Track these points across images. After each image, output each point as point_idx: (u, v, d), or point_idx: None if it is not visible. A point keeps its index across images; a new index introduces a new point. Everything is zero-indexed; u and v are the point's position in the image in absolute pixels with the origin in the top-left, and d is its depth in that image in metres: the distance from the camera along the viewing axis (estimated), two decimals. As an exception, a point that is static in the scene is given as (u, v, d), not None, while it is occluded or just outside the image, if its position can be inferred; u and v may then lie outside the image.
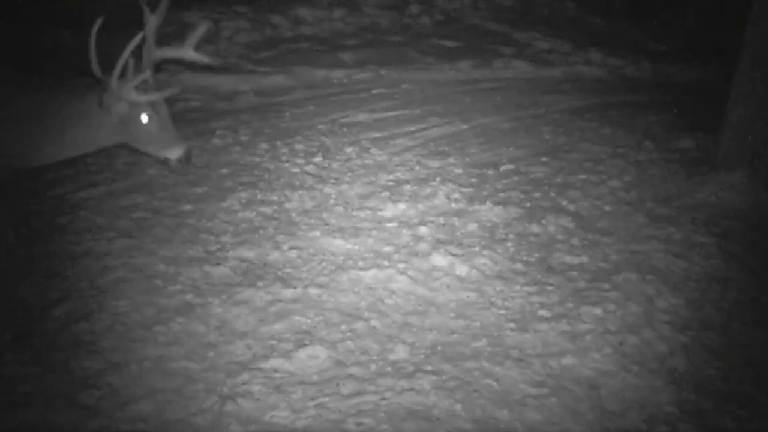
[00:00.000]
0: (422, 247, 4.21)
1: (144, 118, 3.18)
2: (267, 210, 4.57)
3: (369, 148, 5.71)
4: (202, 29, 3.32)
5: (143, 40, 3.19)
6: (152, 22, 3.26)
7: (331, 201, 4.77)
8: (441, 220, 4.58)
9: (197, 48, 3.31)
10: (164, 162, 3.33)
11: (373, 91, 7.23)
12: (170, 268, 3.85)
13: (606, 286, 3.93)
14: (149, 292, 3.63)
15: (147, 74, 3.18)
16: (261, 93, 7.05)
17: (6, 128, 3.14)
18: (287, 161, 5.32)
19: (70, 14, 8.07)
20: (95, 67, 3.13)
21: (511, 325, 3.57)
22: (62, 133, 3.19)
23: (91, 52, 3.12)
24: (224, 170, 5.12)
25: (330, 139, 5.85)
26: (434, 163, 5.48)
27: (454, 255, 4.11)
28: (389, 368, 3.21)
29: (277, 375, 3.12)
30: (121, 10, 8.50)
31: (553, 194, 5.07)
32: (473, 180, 5.24)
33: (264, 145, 5.56)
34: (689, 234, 4.56)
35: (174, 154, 3.27)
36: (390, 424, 2.85)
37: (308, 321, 3.50)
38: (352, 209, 4.66)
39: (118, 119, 3.16)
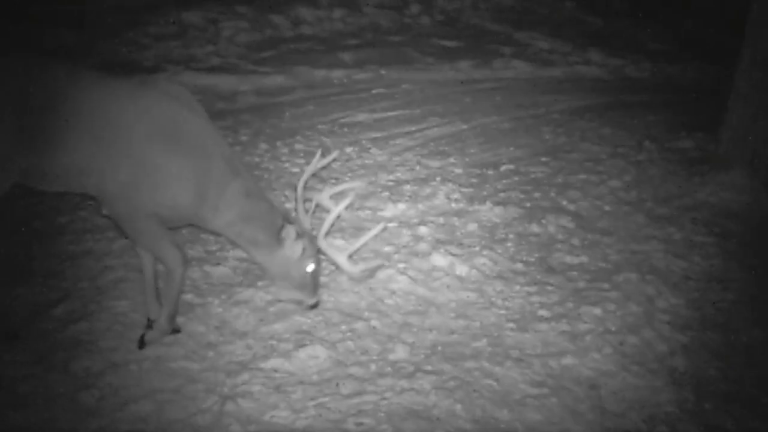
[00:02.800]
0: (422, 247, 4.21)
1: (309, 267, 3.23)
2: (267, 210, 4.57)
3: (369, 148, 5.71)
4: (350, 185, 3.55)
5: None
6: (315, 165, 3.37)
7: (331, 201, 4.76)
8: (441, 220, 4.58)
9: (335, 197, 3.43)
10: (295, 301, 3.40)
11: (373, 91, 7.23)
12: (170, 268, 3.85)
13: (606, 286, 3.93)
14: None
15: (383, 263, 3.48)
16: (261, 93, 7.04)
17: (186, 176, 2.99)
18: (287, 161, 5.31)
19: (70, 14, 8.10)
20: (301, 214, 3.23)
21: (511, 325, 3.57)
22: (241, 229, 3.15)
23: (298, 199, 3.22)
24: (224, 170, 5.11)
25: (330, 139, 5.85)
26: (434, 163, 5.48)
27: (454, 255, 4.10)
28: (389, 368, 3.21)
29: (277, 375, 3.12)
30: (122, 10, 8.57)
31: (553, 194, 5.07)
32: (473, 180, 5.25)
33: (264, 145, 5.56)
34: (689, 234, 4.56)
35: (309, 300, 3.34)
36: (390, 424, 2.85)
37: (308, 321, 3.50)
38: (352, 209, 4.66)
39: (287, 258, 3.17)
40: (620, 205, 4.96)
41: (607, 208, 4.92)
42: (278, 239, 3.10)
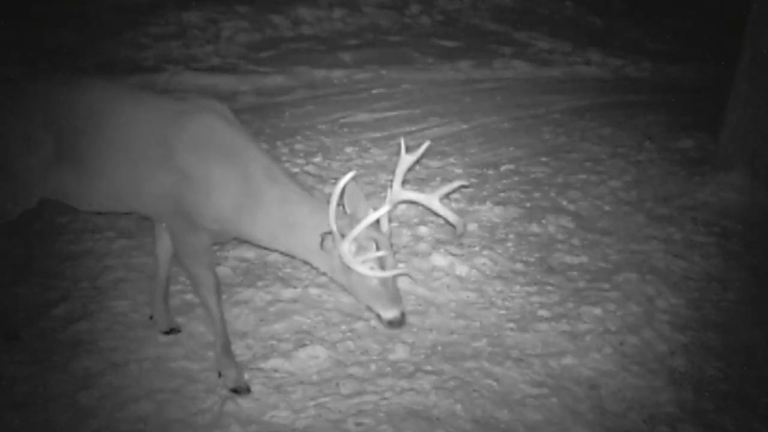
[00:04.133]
0: (422, 247, 4.21)
1: (367, 271, 2.71)
2: (267, 210, 4.57)
3: (369, 148, 5.71)
4: (455, 185, 3.02)
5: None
6: (405, 162, 2.92)
7: (331, 201, 4.76)
8: (441, 220, 4.57)
9: (443, 199, 2.91)
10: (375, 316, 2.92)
11: (373, 91, 7.24)
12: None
13: (606, 286, 3.93)
14: (149, 292, 3.63)
15: (386, 252, 2.73)
16: (261, 93, 7.05)
17: (231, 197, 2.83)
18: (287, 161, 5.31)
19: (70, 14, 8.10)
20: (333, 222, 2.63)
21: (511, 325, 3.57)
22: (285, 235, 2.87)
23: (332, 206, 2.62)
24: (224, 170, 5.11)
25: (330, 139, 5.85)
26: (434, 163, 5.48)
27: (454, 255, 4.10)
28: (389, 368, 3.21)
29: (277, 375, 3.12)
30: (122, 10, 8.57)
31: (553, 194, 5.07)
32: (473, 180, 5.24)
33: (264, 145, 5.54)
34: (689, 234, 4.57)
35: (387, 314, 2.83)
36: (390, 424, 2.85)
37: (308, 321, 3.50)
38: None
39: (339, 263, 2.75)
40: (620, 205, 4.96)
41: (607, 208, 4.92)
42: (322, 247, 2.73)
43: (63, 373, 3.04)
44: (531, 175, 5.40)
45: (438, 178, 5.16)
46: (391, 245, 2.84)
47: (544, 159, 5.70)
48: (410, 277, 3.20)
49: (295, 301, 3.65)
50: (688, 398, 3.15)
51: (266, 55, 8.13)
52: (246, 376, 3.07)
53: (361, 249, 2.71)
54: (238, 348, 3.28)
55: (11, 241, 3.91)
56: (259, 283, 3.76)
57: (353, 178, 2.73)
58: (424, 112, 6.67)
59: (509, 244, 4.35)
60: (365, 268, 2.68)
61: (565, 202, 4.96)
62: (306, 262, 3.01)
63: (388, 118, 6.48)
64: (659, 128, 6.43)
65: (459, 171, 5.38)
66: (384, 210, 2.66)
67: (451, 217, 2.87)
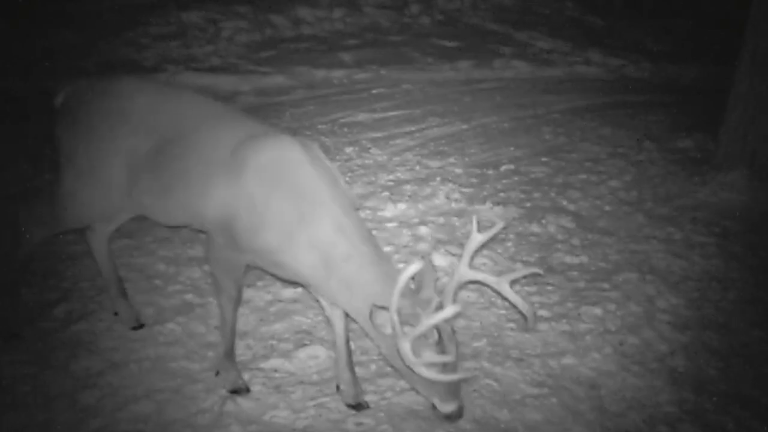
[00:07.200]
0: (422, 247, 4.21)
1: (427, 360, 2.44)
2: (267, 210, 4.57)
3: (369, 148, 5.72)
4: (526, 271, 2.83)
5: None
6: (475, 241, 2.63)
7: (331, 201, 4.76)
8: (441, 220, 4.58)
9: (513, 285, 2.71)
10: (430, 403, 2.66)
11: (373, 91, 7.24)
12: (170, 268, 3.85)
13: (606, 286, 3.93)
14: (149, 292, 3.63)
15: (451, 356, 2.48)
16: (261, 93, 7.05)
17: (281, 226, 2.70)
18: (287, 161, 5.31)
19: (70, 14, 8.11)
20: (394, 304, 2.33)
21: (511, 325, 3.57)
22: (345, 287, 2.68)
23: (398, 289, 2.31)
24: (224, 170, 5.11)
25: (330, 139, 5.85)
26: (434, 163, 5.48)
27: (454, 255, 4.10)
28: (389, 368, 3.20)
29: (277, 375, 3.12)
30: (122, 10, 8.57)
31: (553, 194, 5.07)
32: (473, 180, 5.25)
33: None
34: (689, 234, 4.57)
35: (445, 408, 2.58)
36: (390, 424, 2.85)
37: (308, 321, 3.50)
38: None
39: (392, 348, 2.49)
40: (620, 205, 4.96)
41: (607, 208, 4.92)
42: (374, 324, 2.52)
43: (63, 373, 3.04)
44: (531, 175, 5.41)
45: (438, 178, 5.16)
46: (453, 331, 2.54)
47: (544, 159, 5.71)
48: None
49: (295, 301, 3.65)
50: (688, 398, 3.15)
51: (266, 55, 8.13)
52: (246, 376, 3.07)
53: (421, 338, 2.42)
54: (238, 348, 3.27)
55: (12, 241, 3.91)
56: (259, 283, 3.76)
57: (427, 260, 2.56)
58: (424, 112, 6.67)
59: (509, 244, 4.35)
60: (428, 371, 2.39)
61: (565, 202, 4.96)
62: (361, 327, 2.81)
63: (388, 118, 6.48)
64: (659, 128, 6.44)
65: (459, 171, 5.38)
66: (449, 311, 2.30)
67: (521, 305, 2.67)
